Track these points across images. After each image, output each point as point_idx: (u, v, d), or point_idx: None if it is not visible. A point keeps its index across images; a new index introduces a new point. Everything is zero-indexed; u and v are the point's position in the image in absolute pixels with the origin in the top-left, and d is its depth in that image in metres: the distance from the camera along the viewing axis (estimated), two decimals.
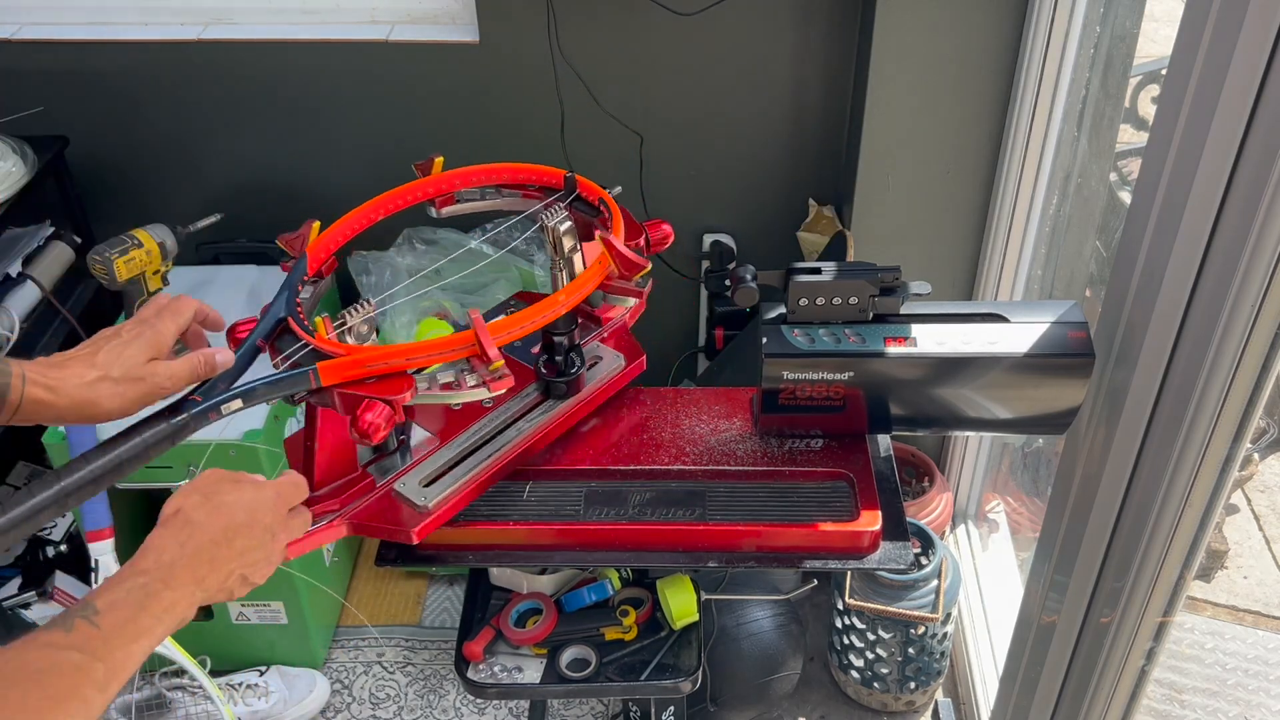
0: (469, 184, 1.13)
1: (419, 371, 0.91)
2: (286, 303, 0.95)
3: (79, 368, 0.86)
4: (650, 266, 1.01)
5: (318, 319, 0.93)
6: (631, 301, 1.10)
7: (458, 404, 0.95)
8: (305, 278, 1.01)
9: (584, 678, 1.30)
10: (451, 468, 1.05)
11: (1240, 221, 0.80)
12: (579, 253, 1.02)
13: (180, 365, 0.89)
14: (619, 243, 0.99)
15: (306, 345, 0.90)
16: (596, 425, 1.15)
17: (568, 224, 1.00)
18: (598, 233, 1.02)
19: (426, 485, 1.02)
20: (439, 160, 1.11)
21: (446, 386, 0.90)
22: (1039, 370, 1.00)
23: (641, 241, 1.05)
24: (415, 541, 1.00)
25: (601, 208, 1.07)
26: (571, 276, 1.01)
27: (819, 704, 2.00)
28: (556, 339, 1.09)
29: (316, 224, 1.04)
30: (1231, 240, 0.81)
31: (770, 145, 2.05)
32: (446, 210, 1.13)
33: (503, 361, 0.89)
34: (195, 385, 0.90)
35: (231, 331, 0.96)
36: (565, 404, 1.11)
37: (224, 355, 0.91)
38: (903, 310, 1.03)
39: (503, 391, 0.91)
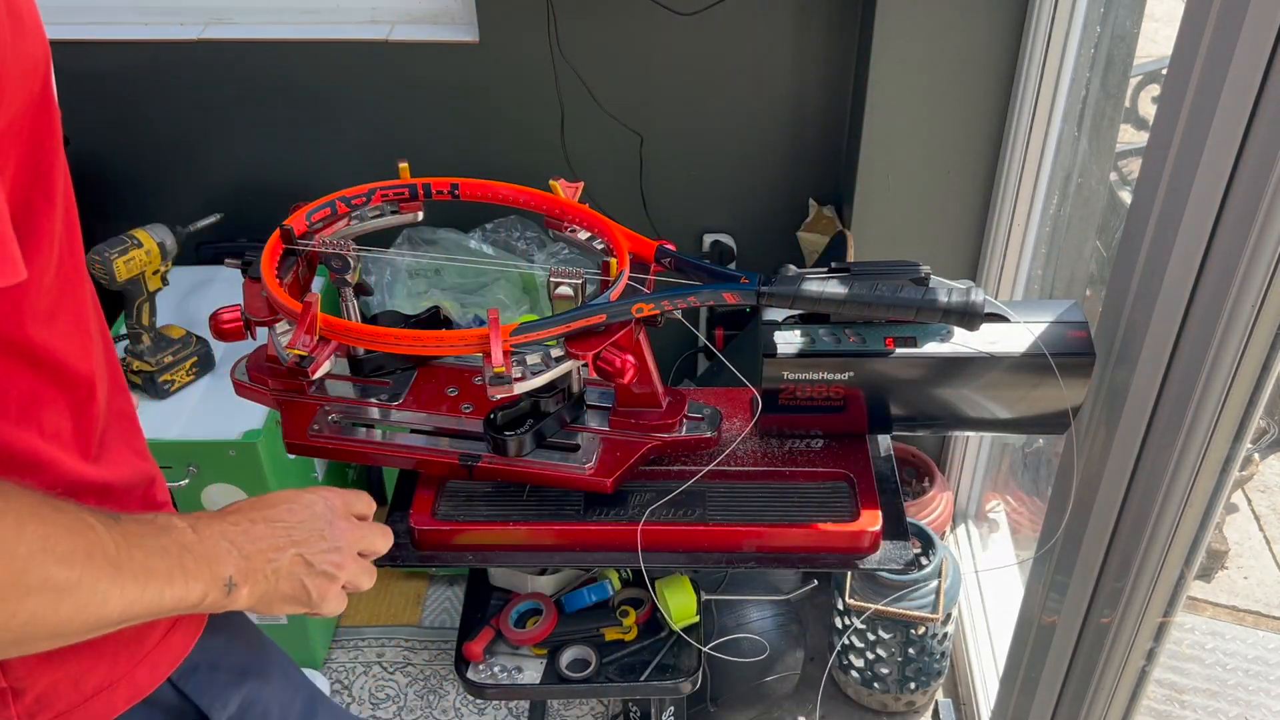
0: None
1: None
2: None
3: None
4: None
5: None
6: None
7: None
8: None
9: (584, 678, 1.29)
10: None
11: (1241, 221, 0.80)
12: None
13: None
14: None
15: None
16: None
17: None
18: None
19: None
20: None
21: None
22: (1039, 370, 1.00)
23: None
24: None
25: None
26: None
27: (819, 704, 2.00)
28: None
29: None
30: (1232, 240, 0.81)
31: (770, 145, 2.05)
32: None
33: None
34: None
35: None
36: None
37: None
38: None
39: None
